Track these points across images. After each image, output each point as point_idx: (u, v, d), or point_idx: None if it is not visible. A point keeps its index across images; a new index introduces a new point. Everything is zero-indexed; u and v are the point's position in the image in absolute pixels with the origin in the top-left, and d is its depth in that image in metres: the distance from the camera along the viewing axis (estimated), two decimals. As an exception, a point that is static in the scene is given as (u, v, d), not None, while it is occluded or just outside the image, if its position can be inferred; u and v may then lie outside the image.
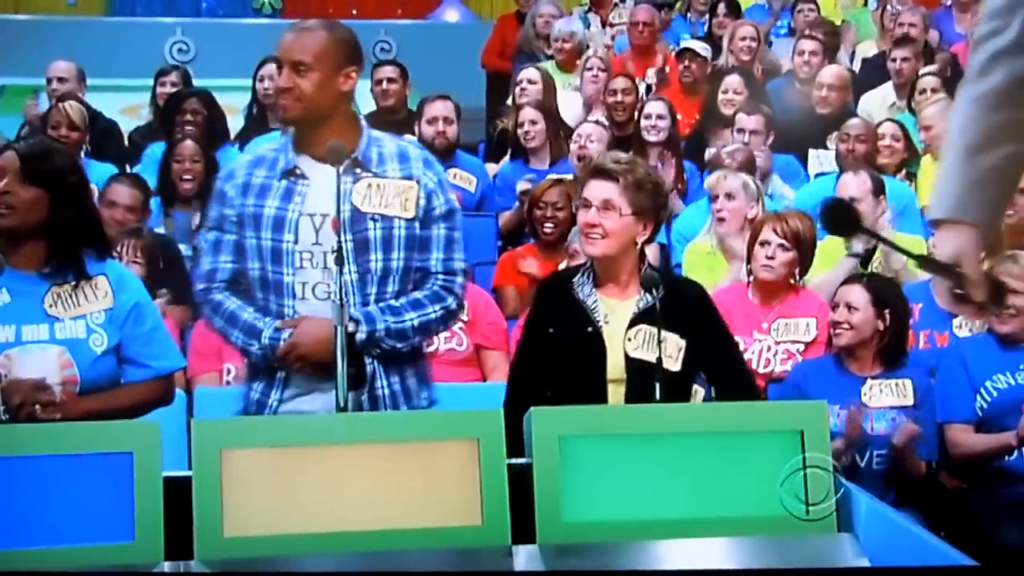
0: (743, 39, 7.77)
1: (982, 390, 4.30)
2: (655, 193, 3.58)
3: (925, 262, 2.32)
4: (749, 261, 4.76)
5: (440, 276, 3.30)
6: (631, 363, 3.46)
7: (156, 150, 6.64)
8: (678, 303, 3.51)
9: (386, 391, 3.29)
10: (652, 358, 3.38)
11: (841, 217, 2.47)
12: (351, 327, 3.15)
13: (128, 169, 6.54)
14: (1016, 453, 4.20)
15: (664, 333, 3.42)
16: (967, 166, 2.29)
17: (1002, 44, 2.27)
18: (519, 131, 6.45)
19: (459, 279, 3.33)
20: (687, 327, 3.50)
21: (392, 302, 3.26)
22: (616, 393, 3.48)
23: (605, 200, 3.52)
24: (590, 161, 3.69)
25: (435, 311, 3.29)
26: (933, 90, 6.86)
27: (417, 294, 3.28)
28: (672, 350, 3.47)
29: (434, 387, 3.47)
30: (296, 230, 3.25)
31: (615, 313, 3.53)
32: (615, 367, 3.48)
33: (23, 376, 3.11)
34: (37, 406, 3.06)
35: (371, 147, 3.31)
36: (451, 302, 3.31)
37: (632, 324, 3.49)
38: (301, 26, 3.31)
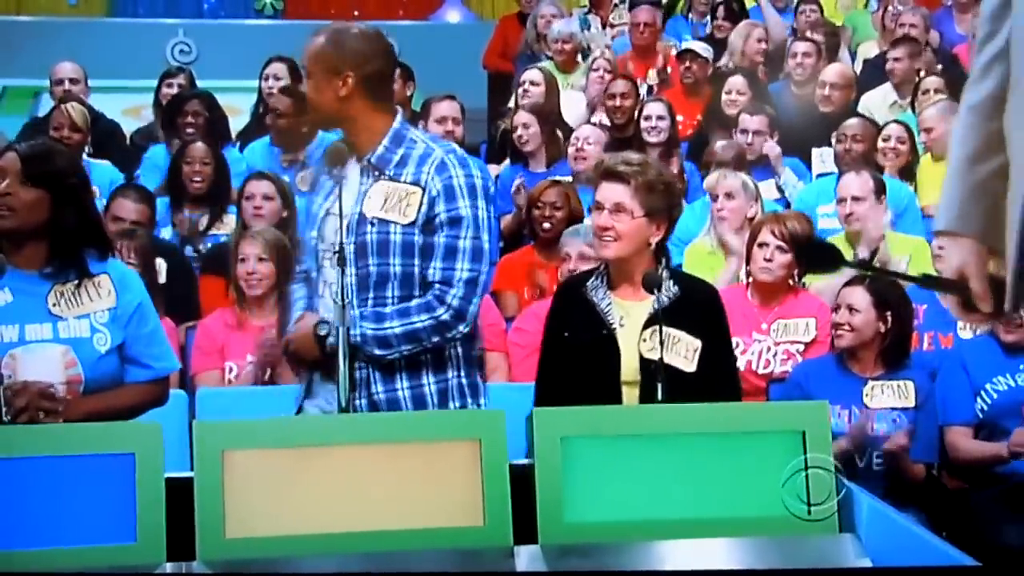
0: (759, 41, 7.78)
1: (982, 392, 4.30)
2: (667, 193, 3.57)
3: (928, 282, 2.33)
4: (748, 263, 4.77)
5: (436, 285, 3.23)
6: (646, 364, 3.45)
7: (156, 152, 6.66)
8: (692, 303, 3.51)
9: (381, 396, 3.26)
10: (667, 359, 3.38)
11: (822, 257, 2.46)
12: (322, 330, 3.22)
13: (130, 171, 6.56)
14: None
15: (679, 333, 3.42)
16: (967, 176, 2.29)
17: (998, 47, 2.27)
18: (513, 135, 6.47)
19: (455, 290, 3.22)
20: (698, 327, 3.49)
21: (382, 309, 3.24)
22: (630, 395, 3.47)
23: (617, 203, 3.51)
24: (601, 163, 3.68)
25: (421, 321, 3.22)
26: (936, 91, 6.86)
27: (411, 303, 3.25)
28: (687, 351, 3.46)
29: (478, 396, 3.39)
30: (321, 228, 3.29)
31: (630, 315, 3.52)
32: (629, 369, 3.48)
33: (28, 376, 3.11)
34: (41, 412, 3.06)
35: (394, 150, 3.28)
36: (441, 313, 3.22)
37: (647, 325, 3.48)
38: (316, 30, 3.36)
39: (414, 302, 3.23)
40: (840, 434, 4.04)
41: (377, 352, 3.21)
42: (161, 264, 5.13)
